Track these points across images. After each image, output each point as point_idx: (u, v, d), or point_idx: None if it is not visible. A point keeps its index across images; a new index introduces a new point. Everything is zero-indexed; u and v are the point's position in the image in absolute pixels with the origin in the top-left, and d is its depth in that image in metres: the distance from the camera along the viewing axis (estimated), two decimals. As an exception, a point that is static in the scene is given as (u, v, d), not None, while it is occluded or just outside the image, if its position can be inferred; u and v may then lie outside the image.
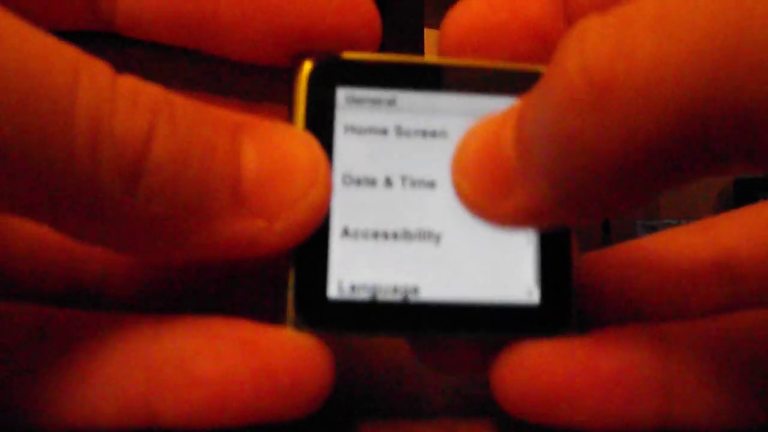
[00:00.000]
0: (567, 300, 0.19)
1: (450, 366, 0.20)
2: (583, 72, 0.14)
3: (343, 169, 0.19)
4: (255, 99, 0.22)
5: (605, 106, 0.14)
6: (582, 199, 0.16)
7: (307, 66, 0.19)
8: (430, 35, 0.96)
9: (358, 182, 0.19)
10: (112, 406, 0.17)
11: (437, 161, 0.19)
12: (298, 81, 0.19)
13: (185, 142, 0.16)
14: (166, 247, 0.16)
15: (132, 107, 0.15)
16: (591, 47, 0.14)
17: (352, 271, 0.19)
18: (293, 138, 0.18)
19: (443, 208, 0.19)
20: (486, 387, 0.19)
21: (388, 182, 0.19)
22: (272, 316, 0.19)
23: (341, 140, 0.19)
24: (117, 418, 0.17)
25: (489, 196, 0.17)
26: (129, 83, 0.16)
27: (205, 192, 0.16)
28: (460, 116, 0.19)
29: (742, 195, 1.06)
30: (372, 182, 0.19)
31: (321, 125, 0.19)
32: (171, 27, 0.19)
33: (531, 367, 0.18)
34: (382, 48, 0.20)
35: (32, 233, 0.20)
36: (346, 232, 0.19)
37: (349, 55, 0.19)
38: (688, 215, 1.10)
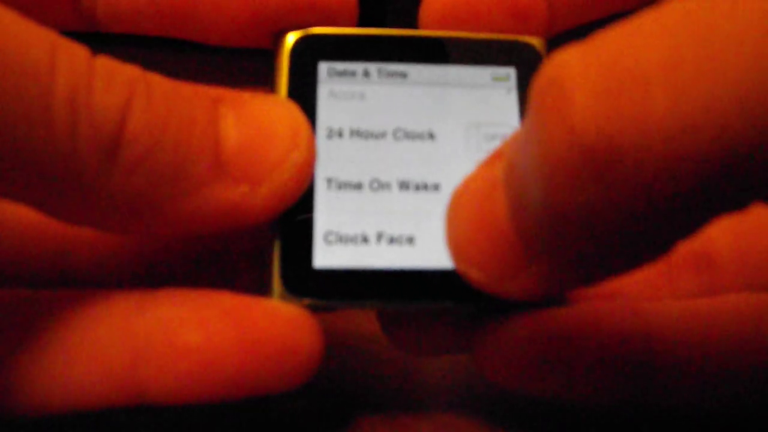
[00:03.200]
0: None
1: (423, 346, 0.20)
2: (574, 142, 0.12)
3: (328, 128, 0.19)
4: (237, 85, 0.22)
5: (610, 176, 0.12)
6: (593, 270, 0.15)
7: (290, 39, 0.20)
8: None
9: (343, 136, 0.19)
10: (97, 382, 0.17)
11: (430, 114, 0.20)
12: (281, 53, 0.20)
13: (162, 115, 0.16)
14: (151, 220, 0.17)
15: (108, 83, 0.16)
16: (579, 110, 0.12)
17: (340, 225, 0.19)
18: (273, 104, 0.18)
19: (441, 159, 0.19)
20: (486, 384, 0.19)
21: (380, 135, 0.19)
22: (256, 290, 0.19)
23: (324, 104, 0.19)
24: (103, 393, 0.17)
25: (496, 278, 0.16)
26: (105, 62, 0.16)
27: (184, 162, 0.16)
28: (447, 87, 0.20)
29: None
30: (361, 135, 0.19)
31: (303, 95, 0.19)
32: (150, 16, 0.20)
33: (517, 339, 0.18)
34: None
35: (18, 218, 0.20)
36: (330, 184, 0.19)
37: (329, 29, 0.20)
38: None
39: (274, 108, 0.18)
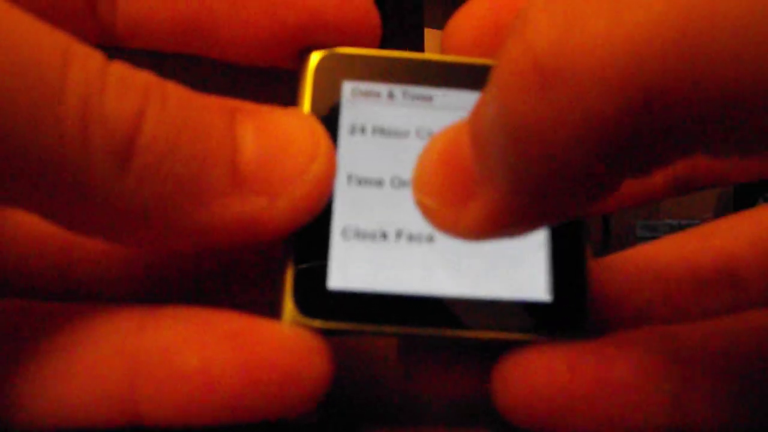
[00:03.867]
0: (581, 298, 0.18)
1: (443, 384, 0.19)
2: (527, 54, 0.13)
3: (348, 167, 0.19)
4: (257, 101, 0.22)
5: (554, 88, 0.13)
6: (542, 195, 0.15)
7: (314, 57, 0.19)
8: (430, 35, 0.96)
9: (360, 182, 0.19)
10: (92, 400, 0.16)
11: None
12: (305, 71, 0.19)
13: (177, 123, 0.16)
14: (164, 232, 0.16)
15: (122, 89, 0.15)
16: (535, 28, 0.13)
17: (353, 263, 0.18)
18: (292, 117, 0.18)
19: None
20: (487, 396, 0.18)
21: (393, 182, 0.19)
22: (269, 310, 0.18)
23: (345, 138, 0.19)
24: (98, 412, 0.16)
25: (450, 207, 0.16)
26: (120, 68, 0.16)
27: (200, 172, 0.16)
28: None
29: (741, 196, 1.04)
30: (377, 182, 0.19)
31: (327, 114, 0.19)
32: (171, 33, 0.19)
33: (538, 371, 0.17)
34: (382, 47, 0.20)
35: (26, 228, 0.20)
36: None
37: (355, 50, 0.20)
38: (687, 215, 1.09)
39: (294, 120, 0.18)
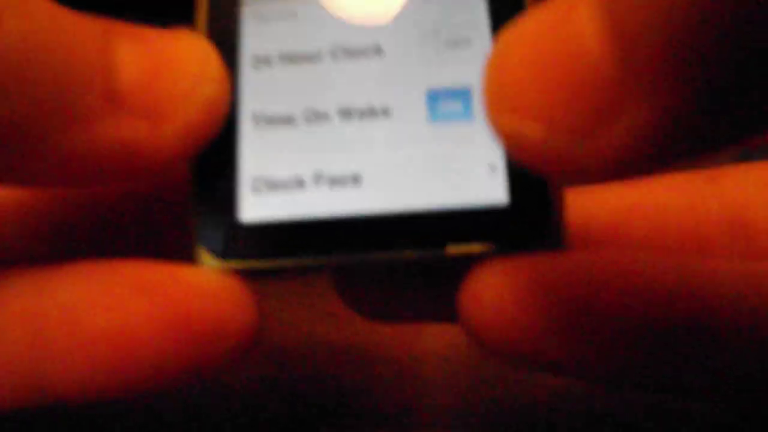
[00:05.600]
0: (544, 200, 0.15)
1: (389, 309, 0.17)
2: None
3: (254, 57, 0.16)
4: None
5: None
6: (697, 125, 0.10)
7: None
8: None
9: (272, 63, 0.16)
10: None
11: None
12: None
13: (39, 33, 0.13)
14: (35, 159, 0.14)
15: None
16: None
17: (270, 168, 0.16)
18: (178, 38, 0.15)
19: (391, 77, 0.16)
20: (487, 404, 0.17)
21: (315, 57, 0.16)
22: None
23: (249, 30, 0.16)
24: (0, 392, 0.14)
25: (566, 134, 0.11)
26: None
27: (69, 90, 0.14)
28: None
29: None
30: (293, 59, 0.16)
31: (225, 24, 0.16)
32: None
33: (513, 280, 0.14)
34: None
35: None
36: (258, 121, 0.16)
37: None
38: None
39: (177, 41, 0.15)
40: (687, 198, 0.18)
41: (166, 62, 0.15)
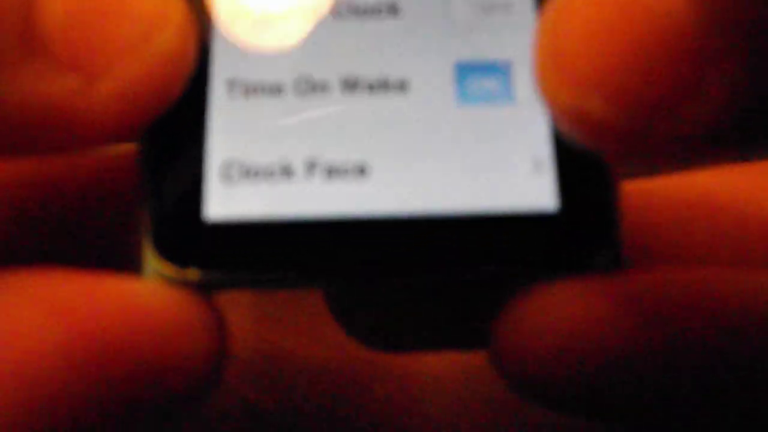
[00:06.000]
0: (605, 206, 0.12)
1: (393, 337, 0.14)
2: None
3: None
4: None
5: None
6: None
7: None
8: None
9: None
10: None
11: None
12: None
13: None
14: None
15: None
16: None
17: (247, 151, 0.12)
18: None
19: (409, 41, 0.12)
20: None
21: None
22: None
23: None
24: None
25: (641, 109, 0.10)
26: None
27: None
28: None
29: None
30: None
31: None
32: None
33: (567, 315, 0.11)
34: None
35: None
36: (233, 88, 0.12)
37: None
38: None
39: None
40: (750, 191, 0.15)
41: None
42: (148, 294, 0.11)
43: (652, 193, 0.15)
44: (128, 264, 0.12)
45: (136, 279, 0.11)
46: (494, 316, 0.12)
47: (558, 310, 0.11)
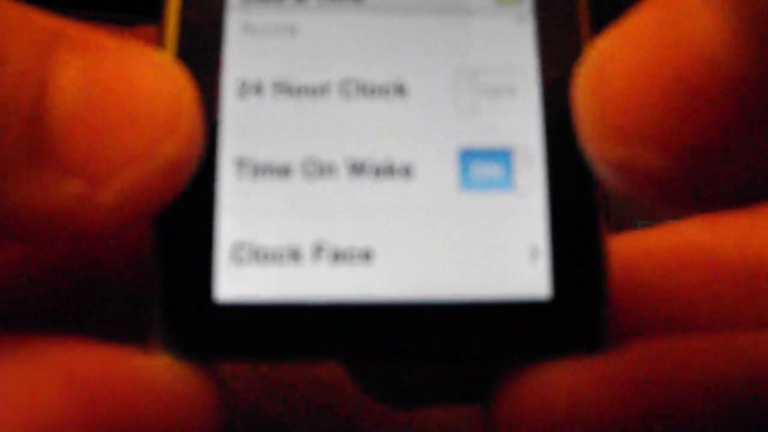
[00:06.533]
0: (595, 294, 0.12)
1: (409, 397, 0.14)
2: None
3: (241, 81, 0.13)
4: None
5: None
6: None
7: None
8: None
9: (263, 92, 0.13)
10: None
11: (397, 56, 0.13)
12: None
13: None
14: None
15: None
16: None
17: (256, 233, 0.12)
18: (143, 59, 0.12)
19: (416, 125, 0.13)
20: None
21: (320, 90, 0.13)
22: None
23: (236, 45, 0.13)
24: None
25: (692, 160, 0.10)
26: None
27: None
28: (425, 15, 0.13)
29: None
30: (291, 91, 0.13)
31: (203, 33, 0.13)
32: None
33: (570, 386, 0.12)
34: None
35: None
36: (242, 169, 0.12)
37: None
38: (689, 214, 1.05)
39: (145, 64, 0.12)
40: (734, 239, 0.16)
41: (123, 94, 0.11)
42: (157, 369, 0.12)
43: (637, 245, 0.16)
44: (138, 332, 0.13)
45: (146, 353, 0.12)
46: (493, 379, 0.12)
47: (548, 392, 0.12)
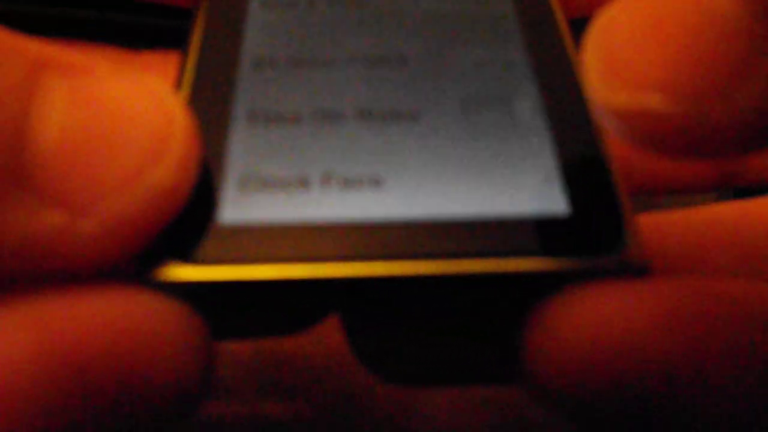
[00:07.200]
0: (612, 203, 0.12)
1: (419, 376, 0.14)
2: None
3: (256, 56, 0.15)
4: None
5: None
6: None
7: None
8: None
9: (277, 66, 0.14)
10: None
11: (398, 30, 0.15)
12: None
13: None
14: None
15: None
16: None
17: (265, 167, 0.13)
18: (132, 85, 0.12)
19: (419, 82, 0.14)
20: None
21: (330, 62, 0.14)
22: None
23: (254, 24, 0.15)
24: None
25: (695, 100, 0.10)
26: None
27: None
28: None
29: (742, 196, 1.01)
30: (303, 63, 0.14)
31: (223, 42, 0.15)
32: None
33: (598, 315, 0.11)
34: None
35: None
36: (253, 118, 0.13)
37: None
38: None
39: (135, 90, 0.11)
40: (766, 219, 0.16)
41: (107, 121, 0.11)
42: (135, 302, 0.11)
43: (665, 224, 0.16)
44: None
45: (125, 287, 0.11)
46: (511, 348, 0.12)
47: (600, 316, 0.11)
